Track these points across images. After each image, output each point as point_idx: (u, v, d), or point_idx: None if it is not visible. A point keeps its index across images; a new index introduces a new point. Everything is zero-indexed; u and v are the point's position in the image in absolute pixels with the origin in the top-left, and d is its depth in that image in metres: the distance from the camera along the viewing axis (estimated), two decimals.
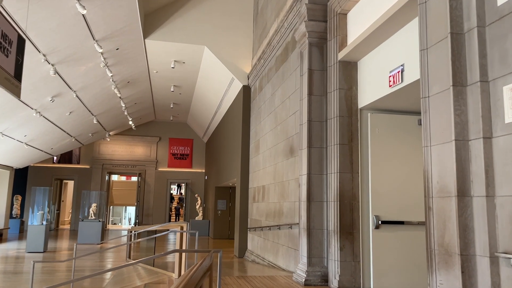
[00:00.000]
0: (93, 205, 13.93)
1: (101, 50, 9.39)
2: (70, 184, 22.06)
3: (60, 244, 13.10)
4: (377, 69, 5.23)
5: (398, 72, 4.66)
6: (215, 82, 13.01)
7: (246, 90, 11.21)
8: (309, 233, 5.73)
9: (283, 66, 8.07)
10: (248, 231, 10.57)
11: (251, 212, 10.43)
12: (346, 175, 5.53)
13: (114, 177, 31.19)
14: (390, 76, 4.83)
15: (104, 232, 13.88)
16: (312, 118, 5.97)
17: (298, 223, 6.39)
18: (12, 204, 17.63)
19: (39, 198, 11.80)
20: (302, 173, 6.05)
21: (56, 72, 9.44)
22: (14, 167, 15.56)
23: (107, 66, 10.71)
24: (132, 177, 25.22)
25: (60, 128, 13.73)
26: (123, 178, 28.69)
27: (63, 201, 22.91)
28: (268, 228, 8.41)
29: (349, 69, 5.76)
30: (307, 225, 5.74)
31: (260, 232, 9.20)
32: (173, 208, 28.69)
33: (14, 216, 17.77)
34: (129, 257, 9.53)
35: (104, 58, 10.27)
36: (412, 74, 4.44)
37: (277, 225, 7.76)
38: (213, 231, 16.86)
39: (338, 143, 5.59)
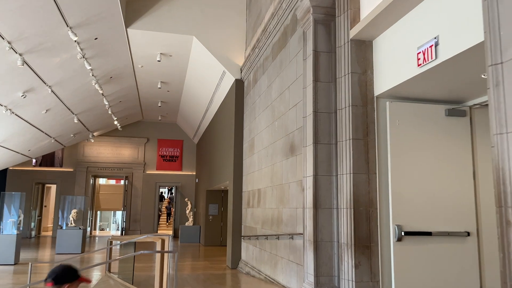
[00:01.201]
0: (73, 211, 12.83)
1: (76, 39, 8.36)
2: (54, 189, 20.87)
3: (37, 254, 11.99)
4: (400, 46, 4.29)
5: (431, 46, 3.71)
6: (205, 77, 12.02)
7: (238, 84, 10.24)
8: (316, 246, 4.76)
9: (281, 53, 7.11)
10: (242, 240, 9.58)
11: (245, 218, 9.44)
12: (361, 176, 4.58)
13: (102, 181, 30.17)
14: (419, 52, 3.88)
15: (85, 240, 12.79)
16: (318, 109, 5.01)
17: (301, 234, 5.42)
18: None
19: (14, 204, 10.70)
20: (307, 174, 5.09)
21: (25, 63, 8.40)
22: None
23: (85, 59, 9.68)
24: (121, 181, 24.11)
25: (37, 128, 12.63)
26: (113, 182, 27.57)
27: (45, 206, 21.70)
28: (264, 237, 7.43)
29: (363, 49, 4.81)
30: (314, 237, 4.77)
31: (256, 241, 8.22)
32: (163, 208, 27.59)
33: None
34: (109, 271, 8.49)
35: (81, 49, 9.24)
36: (451, 48, 3.51)
37: (276, 235, 6.78)
38: (204, 237, 15.82)
39: (350, 137, 4.63)
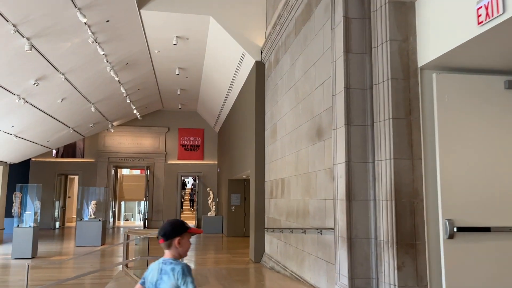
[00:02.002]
0: (93, 203, 12.54)
1: (85, 20, 7.84)
2: (77, 180, 20.79)
3: (56, 247, 11.77)
4: (452, 3, 3.54)
5: None
6: (224, 60, 11.40)
7: (259, 67, 9.56)
8: (350, 244, 4.10)
9: (305, 27, 6.39)
10: (266, 232, 9.00)
11: (268, 209, 8.84)
12: (404, 162, 3.88)
13: (125, 171, 30.21)
14: (480, 7, 3.13)
15: (105, 232, 12.49)
16: (350, 85, 4.31)
17: (332, 228, 4.77)
18: (11, 202, 16.44)
19: (31, 195, 10.44)
20: (338, 161, 4.41)
21: (34, 48, 7.96)
22: (8, 162, 14.26)
23: (98, 43, 9.19)
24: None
25: (53, 118, 12.31)
26: (137, 172, 27.47)
27: (69, 197, 21.72)
28: (289, 230, 6.81)
29: (404, 12, 4.07)
30: (347, 233, 4.11)
31: (280, 235, 7.61)
32: (186, 194, 27.57)
33: (15, 215, 16.56)
34: (126, 266, 8.07)
35: (93, 33, 8.74)
36: None
37: (302, 228, 6.15)
38: (227, 228, 15.37)
39: (390, 117, 3.93)
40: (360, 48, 4.35)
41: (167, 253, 2.25)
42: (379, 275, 3.96)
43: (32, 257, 9.53)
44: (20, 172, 17.90)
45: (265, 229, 8.96)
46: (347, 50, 4.34)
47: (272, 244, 8.38)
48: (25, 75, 9.09)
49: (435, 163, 3.84)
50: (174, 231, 2.24)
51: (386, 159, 3.95)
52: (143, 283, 2.28)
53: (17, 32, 7.23)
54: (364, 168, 4.20)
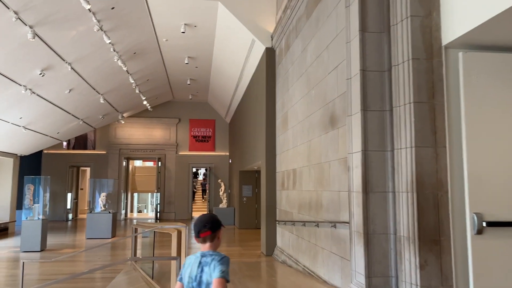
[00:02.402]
0: (102, 195, 12.41)
1: (89, 7, 7.56)
2: (89, 172, 20.78)
3: (67, 239, 11.68)
4: None
5: None
6: (234, 48, 11.06)
7: (269, 54, 9.21)
8: (367, 239, 3.78)
9: (317, 8, 6.02)
10: (277, 225, 8.72)
11: (279, 201, 8.55)
12: (427, 150, 3.53)
13: (138, 163, 30.21)
14: None
15: (116, 225, 12.36)
16: (366, 67, 3.95)
17: (347, 222, 4.45)
18: (23, 195, 16.48)
19: (38, 188, 10.33)
20: (353, 150, 4.08)
21: (37, 36, 7.74)
22: (19, 155, 14.20)
23: (104, 32, 8.93)
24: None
25: (62, 109, 12.16)
26: (150, 164, 27.41)
27: (82, 189, 21.76)
28: (302, 223, 6.51)
29: None
30: (364, 228, 3.79)
31: (292, 228, 7.32)
32: (198, 184, 27.58)
33: (28, 207, 16.59)
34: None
35: (98, 21, 8.48)
36: None
37: (314, 222, 5.84)
38: (239, 220, 15.15)
39: (411, 101, 3.58)
40: (377, 26, 3.98)
41: (206, 247, 2.24)
42: (399, 274, 3.64)
43: (41, 250, 9.43)
44: (32, 164, 17.91)
45: (277, 222, 8.68)
46: (363, 28, 3.97)
47: (284, 237, 8.09)
48: (30, 65, 8.90)
49: (461, 151, 3.48)
50: (218, 224, 2.29)
51: (406, 147, 3.60)
52: (181, 280, 2.25)
53: (18, 20, 7.00)
54: (382, 158, 3.86)
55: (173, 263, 4.21)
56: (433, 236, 3.44)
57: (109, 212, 11.93)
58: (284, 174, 8.14)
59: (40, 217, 9.64)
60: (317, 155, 5.87)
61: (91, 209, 12.46)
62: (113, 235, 11.94)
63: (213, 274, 2.12)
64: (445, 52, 3.62)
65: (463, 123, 3.48)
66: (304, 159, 6.61)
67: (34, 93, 9.95)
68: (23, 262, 3.74)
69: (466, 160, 3.44)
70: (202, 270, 2.18)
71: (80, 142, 19.02)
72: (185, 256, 4.10)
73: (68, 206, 18.94)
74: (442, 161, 3.52)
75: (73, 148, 18.96)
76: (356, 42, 4.02)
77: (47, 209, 10.01)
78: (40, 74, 9.21)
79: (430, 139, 3.53)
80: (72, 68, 9.78)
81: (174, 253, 4.18)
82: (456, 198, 3.49)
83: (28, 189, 17.15)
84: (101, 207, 12.27)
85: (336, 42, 5.11)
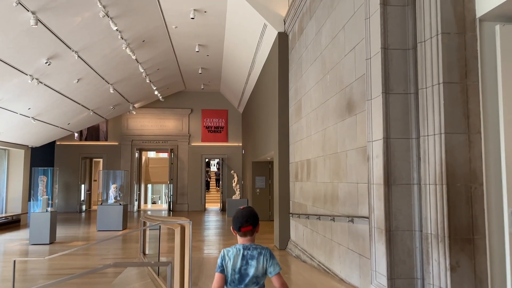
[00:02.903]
0: (113, 186, 12.24)
1: None
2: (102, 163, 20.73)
3: (77, 232, 11.55)
4: None
5: None
6: (245, 34, 10.65)
7: (282, 39, 8.79)
8: (389, 237, 3.40)
9: None
10: (291, 217, 8.37)
11: (293, 193, 8.19)
12: (458, 137, 3.11)
13: (151, 154, 30.15)
14: None
15: (127, 217, 12.18)
16: (388, 45, 3.54)
17: (366, 217, 4.08)
18: (36, 186, 16.46)
19: (47, 179, 10.16)
20: (373, 138, 3.68)
21: (40, 23, 7.46)
22: (30, 146, 14.11)
23: (110, 18, 8.61)
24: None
25: (71, 99, 11.95)
26: (164, 155, 27.32)
27: (95, 180, 21.73)
28: (316, 217, 6.14)
29: None
30: (386, 224, 3.41)
31: (306, 221, 6.96)
32: (212, 174, 27.51)
33: (39, 199, 16.59)
34: (144, 252, 7.65)
35: (104, 6, 8.16)
36: None
37: (330, 215, 5.47)
38: None
39: (441, 81, 3.15)
40: None
41: (246, 240, 2.29)
42: (426, 276, 3.25)
43: (51, 243, 9.27)
44: (45, 156, 17.90)
45: (290, 215, 8.33)
46: (384, 1, 3.55)
47: (298, 230, 7.74)
48: (36, 53, 8.65)
49: (499, 138, 3.07)
50: (257, 219, 2.35)
51: (435, 134, 3.19)
52: (222, 271, 2.23)
53: (19, 5, 6.72)
54: (406, 146, 3.46)
55: (177, 261, 3.89)
56: (466, 234, 3.04)
57: (120, 204, 11.74)
58: (297, 165, 7.76)
59: (49, 209, 9.47)
60: (333, 145, 5.47)
61: (102, 201, 12.30)
62: (124, 227, 11.76)
63: (270, 270, 2.21)
64: (479, 25, 3.19)
65: (500, 106, 3.06)
66: (318, 148, 6.22)
67: (41, 83, 9.73)
68: (14, 261, 3.47)
69: (504, 148, 3.02)
70: (247, 263, 2.21)
71: (93, 133, 18.92)
72: (189, 256, 3.78)
73: (82, 198, 18.93)
74: (476, 150, 3.10)
75: (86, 140, 18.87)
76: (377, 17, 3.60)
77: (56, 201, 9.76)
78: (46, 63, 8.96)
79: (462, 124, 3.11)
80: (79, 56, 9.52)
81: (177, 251, 3.86)
82: (492, 191, 3.07)
83: (41, 181, 17.15)
84: (111, 199, 12.10)
85: (353, 21, 4.68)
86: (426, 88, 3.31)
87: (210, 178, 27.49)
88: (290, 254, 7.89)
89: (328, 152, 5.70)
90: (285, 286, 2.22)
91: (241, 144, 19.50)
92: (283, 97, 8.71)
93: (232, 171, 17.45)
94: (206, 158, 20.04)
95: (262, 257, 2.23)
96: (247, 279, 2.20)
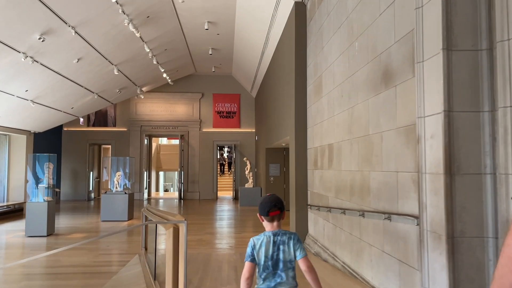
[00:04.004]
0: (117, 174, 11.53)
1: None
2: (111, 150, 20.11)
3: (81, 221, 10.89)
4: None
5: None
6: (258, 8, 9.69)
7: (299, 9, 7.82)
8: (451, 245, 2.50)
9: None
10: (309, 209, 7.51)
11: (311, 183, 7.31)
12: None
13: (164, 141, 29.52)
14: None
15: (133, 206, 11.48)
16: None
17: (412, 216, 3.18)
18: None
19: (42, 166, 9.47)
20: (426, 112, 2.77)
21: None
22: (32, 131, 13.46)
23: None
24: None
25: (72, 81, 11.18)
26: (176, 142, 26.69)
27: (106, 167, 21.15)
28: (341, 211, 5.26)
29: None
30: (447, 227, 2.51)
31: (328, 214, 6.09)
32: (225, 157, 27.03)
33: (47, 187, 16.03)
34: (146, 248, 6.90)
35: None
36: None
37: (358, 210, 4.58)
38: None
39: None
40: None
41: (274, 225, 2.31)
42: None
43: (48, 235, 8.60)
44: (52, 142, 17.32)
45: (308, 206, 7.46)
46: None
47: (317, 224, 6.88)
48: (27, 28, 7.85)
49: None
50: (283, 205, 2.40)
51: None
52: (253, 260, 2.23)
53: None
54: (475, 122, 2.54)
55: (168, 262, 3.07)
56: None
57: (125, 193, 11.03)
58: (317, 150, 6.86)
59: (46, 198, 8.77)
60: (363, 125, 4.56)
61: (107, 190, 11.64)
62: (130, 218, 11.08)
63: (296, 253, 2.24)
64: None
65: None
66: (343, 131, 5.31)
67: (36, 61, 8.96)
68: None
69: None
70: (278, 249, 2.24)
71: (100, 118, 18.25)
72: (184, 261, 2.95)
73: (91, 186, 18.38)
74: None
75: (93, 125, 18.23)
76: None
77: (58, 190, 9.07)
78: (40, 39, 8.17)
79: None
80: (76, 32, 8.71)
81: (169, 256, 3.04)
82: None
83: (47, 168, 16.56)
84: (116, 187, 11.41)
85: None
86: (507, 40, 2.37)
87: (224, 161, 27.00)
88: (309, 250, 7.03)
89: (356, 135, 4.79)
90: (312, 269, 2.24)
91: (254, 130, 18.63)
92: (300, 76, 7.78)
93: (244, 158, 16.60)
94: (217, 145, 19.24)
95: (291, 241, 2.26)
96: (281, 265, 2.22)
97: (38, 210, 8.45)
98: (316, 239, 6.84)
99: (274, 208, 2.31)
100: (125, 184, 11.91)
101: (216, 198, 18.46)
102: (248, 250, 2.25)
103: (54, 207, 8.92)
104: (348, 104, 5.11)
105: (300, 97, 7.76)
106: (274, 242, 2.24)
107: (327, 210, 5.99)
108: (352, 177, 4.94)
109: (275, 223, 2.30)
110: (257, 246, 2.24)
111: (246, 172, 15.91)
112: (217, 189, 18.97)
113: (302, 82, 7.77)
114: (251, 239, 2.28)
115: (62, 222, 10.77)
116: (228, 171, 26.20)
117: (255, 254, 2.22)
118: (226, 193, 21.06)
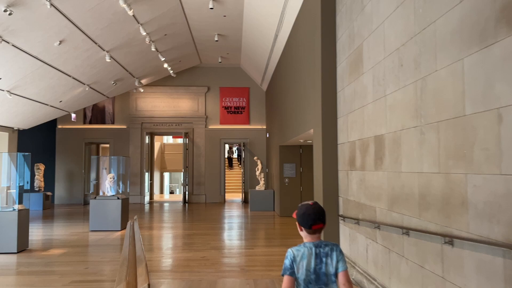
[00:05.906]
0: (109, 176, 10.02)
1: None
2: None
3: (66, 232, 9.37)
4: None
5: None
6: None
7: None
8: None
9: None
10: (341, 221, 5.88)
11: (345, 188, 5.68)
12: None
13: (169, 140, 28.03)
14: None
15: (127, 213, 9.94)
16: None
17: None
18: (32, 175, 14.47)
19: (19, 167, 7.95)
20: None
21: None
22: (15, 128, 11.99)
23: None
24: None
25: (55, 68, 9.66)
26: (181, 141, 25.25)
27: (105, 168, 19.67)
28: (403, 231, 3.63)
29: None
30: None
31: (375, 232, 4.46)
32: (234, 152, 25.94)
33: (37, 189, 14.62)
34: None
35: None
36: None
37: (441, 235, 2.95)
38: (280, 205, 12.42)
39: None
40: None
41: (314, 237, 2.14)
42: None
43: (19, 251, 7.07)
44: (46, 141, 15.89)
45: (340, 218, 5.84)
46: None
47: (355, 243, 5.25)
48: None
49: None
50: (325, 216, 2.20)
51: None
52: (292, 274, 2.08)
53: None
54: None
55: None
56: None
57: (118, 198, 9.49)
58: (354, 145, 5.24)
59: (16, 207, 7.20)
60: (449, 103, 2.93)
61: (96, 195, 10.11)
62: (124, 227, 9.53)
63: (339, 265, 2.10)
64: None
65: None
66: (404, 115, 3.68)
67: (6, 42, 7.45)
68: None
69: None
70: (321, 261, 2.10)
71: (97, 115, 16.79)
72: None
73: (90, 188, 16.93)
74: None
75: (90, 123, 16.76)
76: None
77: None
78: (6, 11, 6.64)
79: None
80: (52, 5, 7.17)
81: None
82: None
83: (38, 169, 15.11)
84: (108, 191, 9.88)
85: None
86: None
87: (232, 154, 25.76)
88: None
89: (433, 119, 3.16)
90: (351, 283, 2.10)
91: (265, 127, 17.03)
92: (328, 53, 6.17)
93: (255, 158, 14.99)
94: (225, 143, 17.67)
95: (334, 253, 2.11)
96: (324, 278, 2.08)
97: (6, 221, 6.92)
98: (355, 262, 5.22)
99: (318, 221, 2.09)
100: (118, 189, 10.39)
101: (223, 202, 16.90)
102: (287, 262, 2.09)
103: (28, 217, 7.38)
104: (414, 75, 3.48)
105: (328, 80, 6.15)
106: (317, 254, 2.08)
107: (375, 226, 4.37)
108: (424, 182, 3.30)
109: (315, 235, 2.12)
110: (298, 259, 2.08)
111: (257, 173, 14.30)
112: (225, 192, 17.40)
113: (330, 61, 6.16)
114: (289, 250, 2.11)
115: (44, 232, 9.27)
116: (239, 163, 24.83)
117: (295, 267, 2.07)
118: (234, 196, 19.49)
